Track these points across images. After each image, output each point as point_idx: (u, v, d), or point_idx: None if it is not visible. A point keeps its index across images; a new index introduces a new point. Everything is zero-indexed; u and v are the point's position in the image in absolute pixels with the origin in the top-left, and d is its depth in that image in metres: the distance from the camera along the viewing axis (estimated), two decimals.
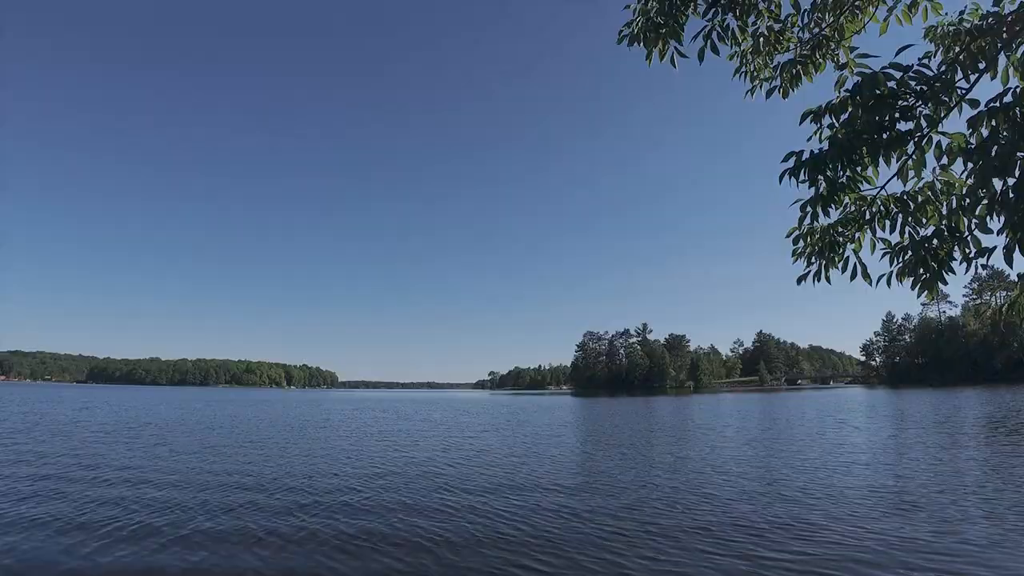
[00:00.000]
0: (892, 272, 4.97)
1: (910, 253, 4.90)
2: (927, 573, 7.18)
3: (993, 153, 4.30)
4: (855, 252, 5.11)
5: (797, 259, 5.21)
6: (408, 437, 25.35)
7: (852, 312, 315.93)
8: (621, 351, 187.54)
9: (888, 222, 5.00)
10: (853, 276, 5.08)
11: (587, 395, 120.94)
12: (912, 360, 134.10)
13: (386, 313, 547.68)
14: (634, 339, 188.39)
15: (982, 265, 4.69)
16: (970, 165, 4.46)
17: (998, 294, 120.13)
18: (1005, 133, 4.32)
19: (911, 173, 4.84)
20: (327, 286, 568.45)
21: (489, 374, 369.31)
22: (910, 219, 4.94)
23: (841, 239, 5.11)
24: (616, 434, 26.24)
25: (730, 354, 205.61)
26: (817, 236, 5.17)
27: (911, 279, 4.91)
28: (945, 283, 4.86)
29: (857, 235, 5.13)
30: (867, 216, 5.03)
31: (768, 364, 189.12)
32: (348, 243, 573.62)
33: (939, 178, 4.92)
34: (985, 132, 4.50)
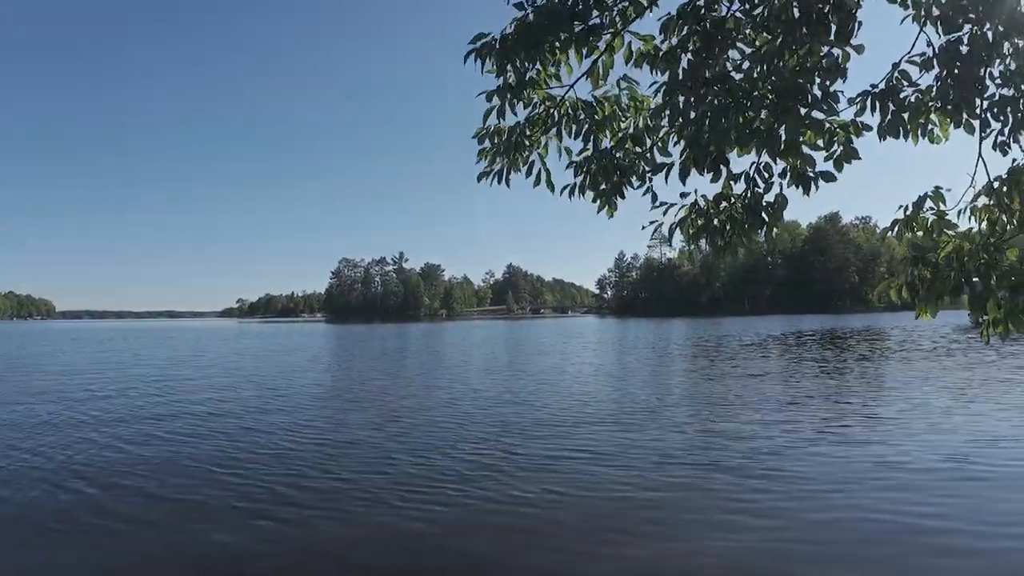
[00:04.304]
0: (576, 184, 4.70)
1: (593, 165, 4.66)
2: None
3: (684, 64, 4.15)
4: (541, 158, 4.75)
5: (482, 159, 4.71)
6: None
7: (591, 250, 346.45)
8: (377, 279, 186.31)
9: (575, 127, 4.70)
10: (536, 182, 4.72)
11: (340, 323, 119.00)
12: (637, 294, 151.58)
13: (115, 232, 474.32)
14: (390, 267, 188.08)
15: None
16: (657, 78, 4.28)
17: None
18: (696, 45, 4.16)
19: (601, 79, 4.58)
20: (38, 192, 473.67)
21: (237, 301, 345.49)
22: (595, 128, 4.68)
23: (528, 141, 4.69)
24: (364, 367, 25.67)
25: (482, 284, 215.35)
26: (504, 136, 4.70)
27: (593, 193, 4.73)
28: (623, 197, 4.69)
29: (545, 139, 4.77)
30: (555, 117, 4.66)
31: (516, 295, 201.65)
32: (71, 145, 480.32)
33: (625, 91, 4.70)
34: (675, 40, 4.31)
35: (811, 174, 4.06)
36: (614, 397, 13.54)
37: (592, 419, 10.89)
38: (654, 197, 4.51)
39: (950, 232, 4.23)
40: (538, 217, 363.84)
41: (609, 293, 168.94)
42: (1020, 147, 3.80)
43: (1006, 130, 3.74)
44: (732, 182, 4.32)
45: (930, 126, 4.31)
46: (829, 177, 4.08)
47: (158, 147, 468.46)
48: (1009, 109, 3.87)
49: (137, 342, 44.35)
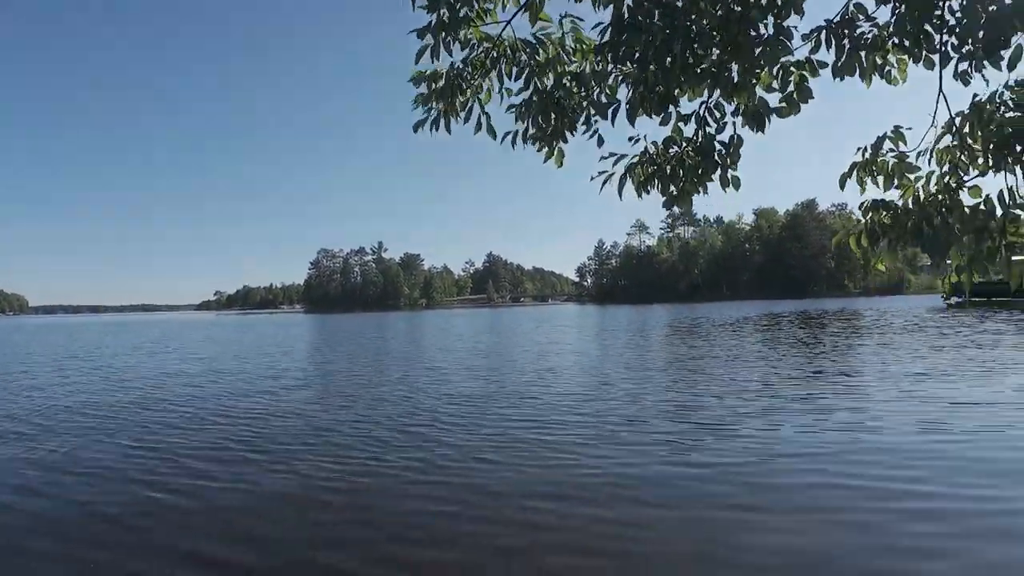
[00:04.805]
0: (518, 131, 4.43)
1: (533, 107, 4.40)
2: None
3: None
4: (481, 103, 4.47)
5: (419, 106, 4.42)
6: None
7: (571, 239, 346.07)
8: (356, 269, 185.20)
9: (516, 69, 4.42)
10: (477, 129, 4.43)
11: (320, 314, 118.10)
12: (616, 281, 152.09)
13: (90, 226, 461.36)
14: (369, 257, 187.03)
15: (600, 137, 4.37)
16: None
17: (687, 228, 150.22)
18: None
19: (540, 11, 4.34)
20: (7, 190, 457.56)
21: (215, 294, 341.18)
22: (537, 69, 4.40)
23: (465, 85, 4.40)
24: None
25: (462, 273, 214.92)
26: (442, 80, 4.40)
27: (536, 143, 4.49)
28: (565, 141, 4.44)
29: (486, 85, 4.48)
30: (494, 56, 4.37)
31: (496, 283, 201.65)
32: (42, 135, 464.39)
33: (569, 33, 4.44)
34: None
35: (764, 112, 3.85)
36: (572, 372, 13.22)
37: (545, 391, 10.61)
38: (600, 140, 4.29)
39: (911, 176, 4.03)
40: (518, 206, 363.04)
41: (589, 281, 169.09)
42: (983, 76, 3.57)
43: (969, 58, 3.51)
44: (682, 123, 4.09)
45: (887, 67, 4.10)
46: (784, 112, 3.86)
47: (131, 139, 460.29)
48: (970, 40, 3.65)
49: (109, 336, 43.46)
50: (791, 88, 3.93)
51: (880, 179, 4.07)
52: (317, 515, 4.92)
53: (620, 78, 4.31)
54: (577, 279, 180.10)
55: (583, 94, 4.41)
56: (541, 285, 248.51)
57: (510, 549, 4.17)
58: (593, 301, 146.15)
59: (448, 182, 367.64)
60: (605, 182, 4.23)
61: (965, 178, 3.96)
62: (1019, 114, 3.73)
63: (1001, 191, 3.63)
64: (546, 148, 4.50)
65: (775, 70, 3.91)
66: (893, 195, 4.05)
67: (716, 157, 3.98)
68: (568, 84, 4.41)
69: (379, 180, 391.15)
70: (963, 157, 4.00)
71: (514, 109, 4.42)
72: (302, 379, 13.78)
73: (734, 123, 3.94)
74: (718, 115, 3.96)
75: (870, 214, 4.01)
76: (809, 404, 8.61)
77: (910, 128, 3.81)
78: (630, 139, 4.11)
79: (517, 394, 10.43)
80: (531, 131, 4.42)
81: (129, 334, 41.35)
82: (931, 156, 4.14)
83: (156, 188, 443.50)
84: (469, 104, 4.43)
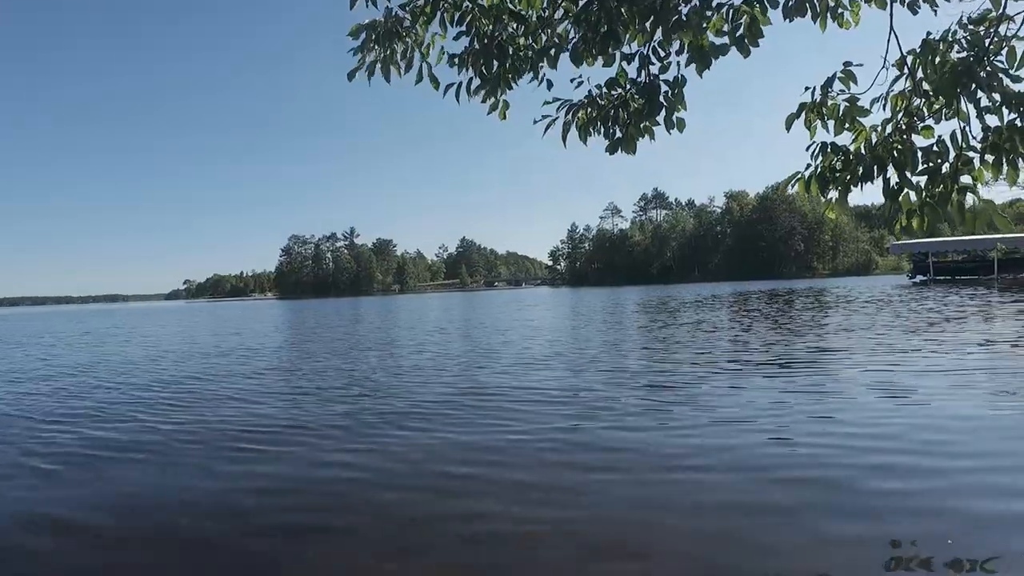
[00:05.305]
0: (462, 84, 4.23)
1: (475, 46, 4.20)
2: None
3: None
4: (423, 56, 4.24)
5: (356, 53, 4.17)
6: None
7: (544, 222, 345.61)
8: (328, 255, 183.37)
9: (458, 15, 4.20)
10: (419, 80, 4.21)
11: (291, 300, 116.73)
12: (590, 265, 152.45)
13: (58, 217, 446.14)
14: (341, 243, 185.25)
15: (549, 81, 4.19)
16: None
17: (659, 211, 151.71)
18: None
19: None
20: None
21: (184, 283, 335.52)
22: (480, 14, 4.20)
23: (404, 32, 4.16)
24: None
25: (435, 258, 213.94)
26: (381, 28, 4.16)
27: (483, 94, 4.29)
28: (510, 87, 4.25)
29: (430, 37, 4.25)
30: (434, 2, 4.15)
31: (469, 268, 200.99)
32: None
33: None
34: None
35: (709, 50, 3.70)
36: (527, 345, 13.07)
37: (495, 362, 10.49)
38: (549, 84, 4.12)
39: (863, 121, 3.90)
40: (492, 191, 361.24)
41: (562, 264, 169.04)
42: (932, 8, 3.45)
43: None
44: (625, 63, 3.92)
45: (840, 9, 3.97)
46: (724, 49, 3.71)
47: (96, 127, 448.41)
48: None
49: (64, 323, 42.50)
50: (741, 31, 3.80)
51: (831, 123, 3.94)
52: (212, 484, 4.53)
53: (566, 23, 4.15)
54: (550, 263, 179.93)
55: (529, 42, 4.23)
56: (515, 269, 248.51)
57: (429, 517, 3.80)
58: (567, 284, 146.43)
59: (421, 166, 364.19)
60: (548, 127, 4.08)
61: (918, 122, 3.85)
62: (971, 54, 3.63)
63: (953, 132, 3.53)
64: (491, 99, 4.32)
65: (725, 11, 3.77)
66: (844, 139, 3.93)
67: (661, 98, 3.82)
68: (513, 29, 4.23)
69: (351, 165, 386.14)
70: (917, 101, 3.89)
71: (456, 59, 4.22)
72: (248, 356, 13.41)
73: (678, 63, 3.79)
74: (662, 54, 3.80)
75: (820, 158, 3.89)
76: (770, 368, 8.59)
77: (861, 65, 3.66)
78: (572, 80, 3.94)
79: (464, 365, 10.27)
80: (475, 82, 4.24)
81: (92, 321, 40.43)
82: (885, 102, 4.03)
83: (123, 178, 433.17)
84: (409, 54, 4.20)
